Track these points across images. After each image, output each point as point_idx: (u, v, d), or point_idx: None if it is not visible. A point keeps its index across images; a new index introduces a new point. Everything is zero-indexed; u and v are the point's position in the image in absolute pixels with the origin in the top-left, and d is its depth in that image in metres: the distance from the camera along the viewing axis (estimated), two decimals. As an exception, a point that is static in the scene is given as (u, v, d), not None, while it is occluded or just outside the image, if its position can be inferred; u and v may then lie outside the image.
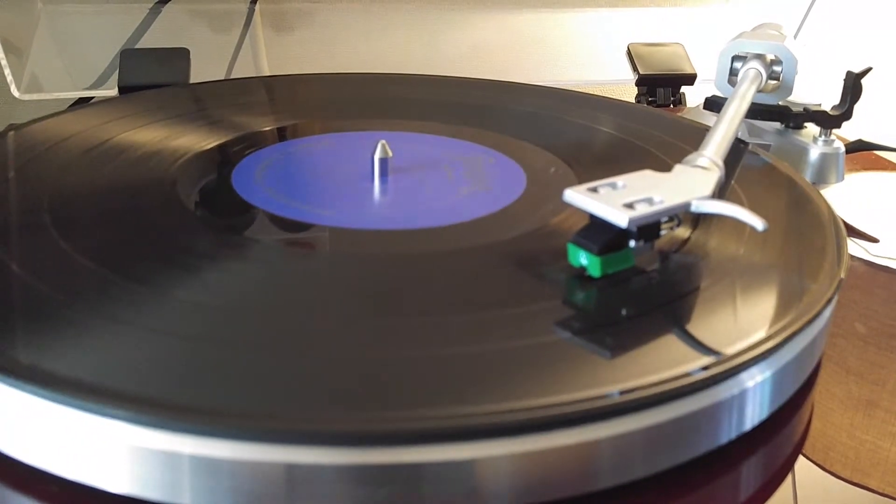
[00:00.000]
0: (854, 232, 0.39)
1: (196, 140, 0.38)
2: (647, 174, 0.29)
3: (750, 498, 0.23)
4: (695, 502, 0.23)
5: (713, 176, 0.29)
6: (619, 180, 0.28)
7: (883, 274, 0.36)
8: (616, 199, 0.26)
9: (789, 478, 0.24)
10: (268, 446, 0.20)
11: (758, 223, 0.26)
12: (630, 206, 0.26)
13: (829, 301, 0.27)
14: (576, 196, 0.27)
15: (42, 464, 0.22)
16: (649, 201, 0.27)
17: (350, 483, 0.20)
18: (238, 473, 0.20)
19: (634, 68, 0.57)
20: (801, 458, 0.25)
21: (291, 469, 0.20)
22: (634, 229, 0.26)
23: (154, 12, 0.57)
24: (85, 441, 0.21)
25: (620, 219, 0.26)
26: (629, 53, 0.58)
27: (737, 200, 0.33)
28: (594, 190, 0.27)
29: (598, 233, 0.26)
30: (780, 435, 0.25)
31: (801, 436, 0.26)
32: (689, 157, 0.31)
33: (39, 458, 0.22)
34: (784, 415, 0.26)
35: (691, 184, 0.29)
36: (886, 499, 0.24)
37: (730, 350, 0.23)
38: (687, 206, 0.27)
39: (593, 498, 0.22)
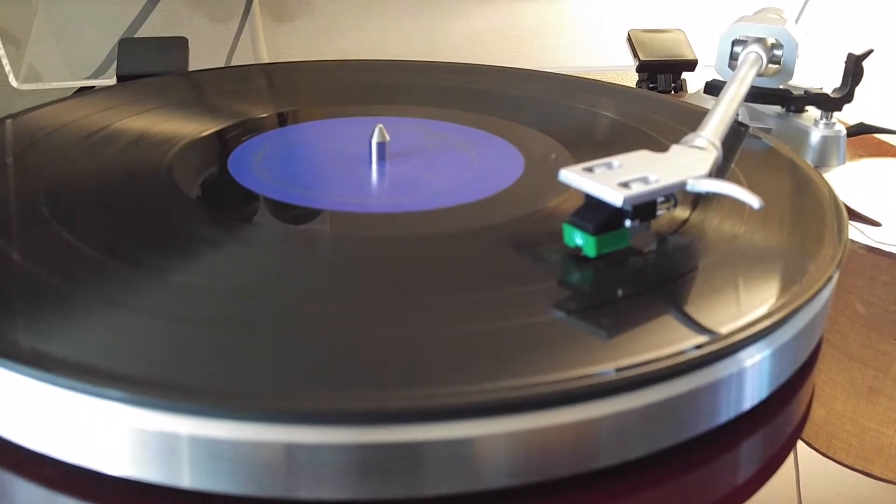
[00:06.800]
0: (856, 216, 0.39)
1: (194, 126, 0.38)
2: (644, 154, 0.29)
3: (749, 479, 0.23)
4: (694, 482, 0.23)
5: (710, 156, 0.29)
6: (615, 160, 0.28)
7: (885, 259, 0.36)
8: (611, 179, 0.26)
9: (792, 465, 0.24)
10: (267, 426, 0.20)
11: (754, 201, 0.26)
12: (625, 185, 0.26)
13: (829, 280, 0.27)
14: (571, 175, 0.27)
15: (41, 447, 0.22)
16: (645, 180, 0.27)
17: (349, 462, 0.20)
18: (238, 454, 0.20)
19: (635, 54, 0.56)
20: (804, 446, 0.25)
21: (291, 449, 0.20)
22: (630, 208, 0.26)
23: (153, 1, 0.56)
24: (84, 423, 0.21)
25: (615, 198, 0.26)
26: (629, 40, 0.57)
27: (737, 182, 0.33)
28: (590, 170, 0.27)
29: (594, 213, 0.26)
30: (780, 415, 0.25)
31: (802, 417, 0.26)
32: (687, 138, 0.31)
33: (38, 441, 0.22)
34: (784, 395, 0.26)
35: (688, 163, 0.28)
36: (889, 485, 0.24)
37: (726, 329, 0.23)
38: (683, 184, 0.27)
39: (591, 477, 0.22)
